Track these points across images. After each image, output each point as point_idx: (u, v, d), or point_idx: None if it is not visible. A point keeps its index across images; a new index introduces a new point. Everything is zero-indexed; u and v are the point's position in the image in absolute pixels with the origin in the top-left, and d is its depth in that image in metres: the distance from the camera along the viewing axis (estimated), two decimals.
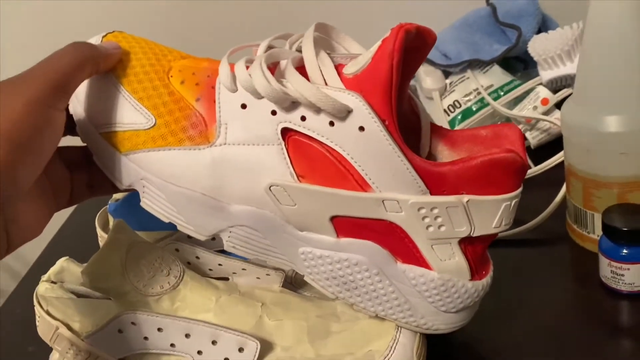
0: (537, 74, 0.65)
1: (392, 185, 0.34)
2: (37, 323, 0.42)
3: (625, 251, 0.43)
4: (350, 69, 0.34)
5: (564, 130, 0.48)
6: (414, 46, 0.35)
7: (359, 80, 0.34)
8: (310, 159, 0.35)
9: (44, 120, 0.32)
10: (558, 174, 0.53)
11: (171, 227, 0.46)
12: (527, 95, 0.64)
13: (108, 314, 0.39)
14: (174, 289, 0.39)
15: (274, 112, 0.35)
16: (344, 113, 0.33)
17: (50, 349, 0.43)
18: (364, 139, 0.34)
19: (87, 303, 0.41)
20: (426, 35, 0.35)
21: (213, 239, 0.45)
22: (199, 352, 0.38)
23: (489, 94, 0.64)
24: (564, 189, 0.51)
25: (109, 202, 0.48)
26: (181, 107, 0.37)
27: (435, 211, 0.34)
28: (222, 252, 0.45)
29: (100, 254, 0.38)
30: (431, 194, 0.34)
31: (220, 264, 0.44)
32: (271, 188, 0.35)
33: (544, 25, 0.71)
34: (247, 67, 0.36)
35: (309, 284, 0.45)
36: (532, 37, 0.66)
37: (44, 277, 0.43)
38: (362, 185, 0.35)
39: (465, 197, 0.34)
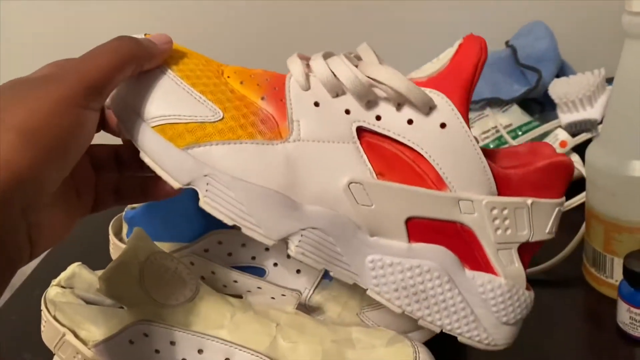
0: (553, 117, 0.66)
1: (467, 185, 0.35)
2: (43, 328, 0.41)
3: None
4: (418, 74, 0.35)
5: (588, 173, 0.48)
6: None
7: (436, 81, 0.35)
8: (386, 159, 0.35)
9: (74, 121, 0.30)
10: (574, 217, 0.53)
11: (187, 239, 0.45)
12: (545, 136, 0.64)
13: (119, 323, 0.38)
14: (188, 302, 0.38)
15: (347, 111, 0.35)
16: (427, 109, 0.34)
17: (47, 357, 0.42)
18: (445, 136, 0.34)
19: (97, 311, 0.40)
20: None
21: (252, 258, 0.45)
22: None
23: (508, 133, 0.65)
24: (581, 231, 0.50)
25: (126, 209, 0.48)
26: (247, 104, 0.35)
27: (505, 212, 0.35)
28: (238, 268, 0.44)
29: (119, 261, 0.37)
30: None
31: (235, 281, 0.43)
32: (350, 185, 0.34)
33: (561, 71, 0.71)
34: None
35: (321, 309, 0.45)
36: (551, 81, 0.67)
37: (55, 282, 0.42)
38: (437, 185, 0.35)
39: (529, 199, 0.36)
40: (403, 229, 0.35)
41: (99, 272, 0.43)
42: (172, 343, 0.37)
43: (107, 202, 0.37)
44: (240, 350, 0.37)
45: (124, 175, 0.38)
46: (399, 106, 0.35)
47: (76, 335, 0.39)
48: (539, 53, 0.71)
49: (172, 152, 0.33)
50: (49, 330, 0.40)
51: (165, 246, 0.45)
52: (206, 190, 0.34)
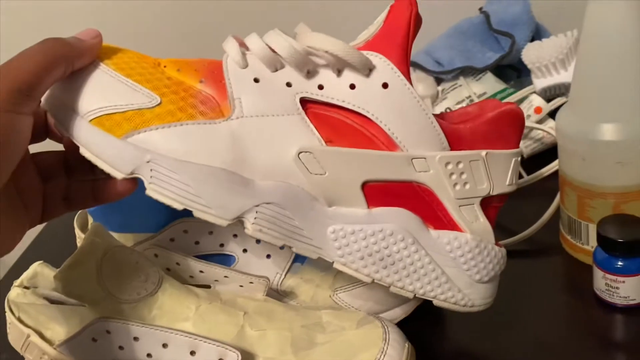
0: (529, 83, 0.64)
1: (418, 143, 0.35)
2: (8, 330, 0.40)
3: (620, 263, 0.42)
4: (356, 41, 0.35)
5: (558, 139, 0.47)
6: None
7: (372, 44, 0.35)
8: (334, 127, 0.35)
9: (5, 127, 0.29)
10: (551, 184, 0.52)
11: (152, 229, 0.44)
12: (520, 103, 0.63)
13: (82, 321, 0.37)
14: (151, 296, 0.37)
15: (289, 84, 0.35)
16: (367, 70, 0.34)
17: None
18: (388, 96, 0.34)
19: (60, 310, 0.39)
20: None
21: (221, 245, 0.44)
22: None
23: None
24: (557, 199, 0.50)
25: None
26: (185, 88, 0.34)
27: (461, 166, 0.35)
28: (203, 258, 0.43)
29: (75, 259, 0.37)
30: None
31: (201, 271, 0.42)
32: (300, 155, 0.34)
33: (537, 34, 0.70)
34: None
35: (294, 293, 0.44)
36: (525, 45, 0.65)
37: (17, 282, 0.41)
38: (389, 146, 0.35)
39: (483, 151, 0.36)
40: (360, 194, 0.35)
41: None
42: (136, 339, 0.36)
43: (57, 210, 0.36)
44: (205, 342, 0.36)
45: (73, 181, 0.37)
46: (339, 72, 0.35)
47: (42, 336, 0.39)
48: (512, 17, 0.70)
49: (111, 142, 0.33)
50: (14, 332, 0.39)
51: (130, 237, 0.44)
52: (151, 177, 0.33)
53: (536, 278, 0.48)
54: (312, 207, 0.35)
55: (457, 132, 0.36)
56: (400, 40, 0.34)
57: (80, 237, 0.48)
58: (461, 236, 0.36)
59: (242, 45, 0.36)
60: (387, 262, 0.36)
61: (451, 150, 0.36)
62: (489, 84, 0.65)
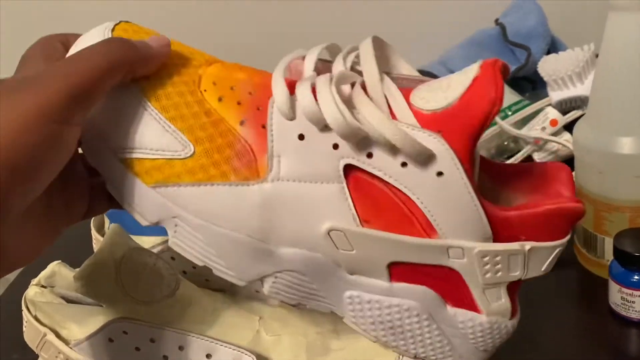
0: (545, 95, 0.64)
1: (459, 233, 0.32)
2: (24, 328, 0.41)
3: (636, 277, 0.42)
4: (423, 104, 0.31)
5: (576, 151, 0.47)
6: None
7: (440, 120, 0.30)
8: (374, 200, 0.32)
9: (50, 140, 0.26)
10: None
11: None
12: (535, 115, 0.63)
13: (99, 321, 0.38)
14: (168, 298, 0.38)
15: (335, 146, 0.31)
16: (424, 157, 0.30)
17: (35, 357, 0.41)
18: (440, 185, 0.31)
19: (77, 309, 0.40)
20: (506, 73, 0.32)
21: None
22: None
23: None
24: None
25: None
26: (222, 132, 0.31)
27: (497, 258, 0.32)
28: None
29: (94, 259, 0.37)
30: (493, 239, 0.32)
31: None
32: (330, 233, 0.31)
33: (552, 47, 0.70)
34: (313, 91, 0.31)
35: None
36: (541, 57, 0.66)
37: (34, 281, 0.42)
38: (427, 231, 0.32)
39: (527, 245, 0.32)
40: (385, 271, 0.33)
41: None
42: (152, 340, 0.36)
43: (101, 207, 0.34)
44: (221, 345, 0.36)
45: None
46: (392, 150, 0.31)
47: (58, 335, 0.39)
48: (527, 29, 0.70)
49: (139, 188, 0.31)
50: (30, 331, 0.40)
51: (148, 240, 0.44)
52: (174, 232, 0.32)
53: (551, 291, 0.48)
54: (333, 273, 0.33)
55: (505, 220, 0.32)
56: (472, 131, 0.30)
57: (96, 238, 0.48)
58: (477, 317, 0.34)
59: (294, 76, 0.33)
60: (396, 331, 0.34)
61: (495, 237, 0.32)
62: (504, 96, 0.65)
